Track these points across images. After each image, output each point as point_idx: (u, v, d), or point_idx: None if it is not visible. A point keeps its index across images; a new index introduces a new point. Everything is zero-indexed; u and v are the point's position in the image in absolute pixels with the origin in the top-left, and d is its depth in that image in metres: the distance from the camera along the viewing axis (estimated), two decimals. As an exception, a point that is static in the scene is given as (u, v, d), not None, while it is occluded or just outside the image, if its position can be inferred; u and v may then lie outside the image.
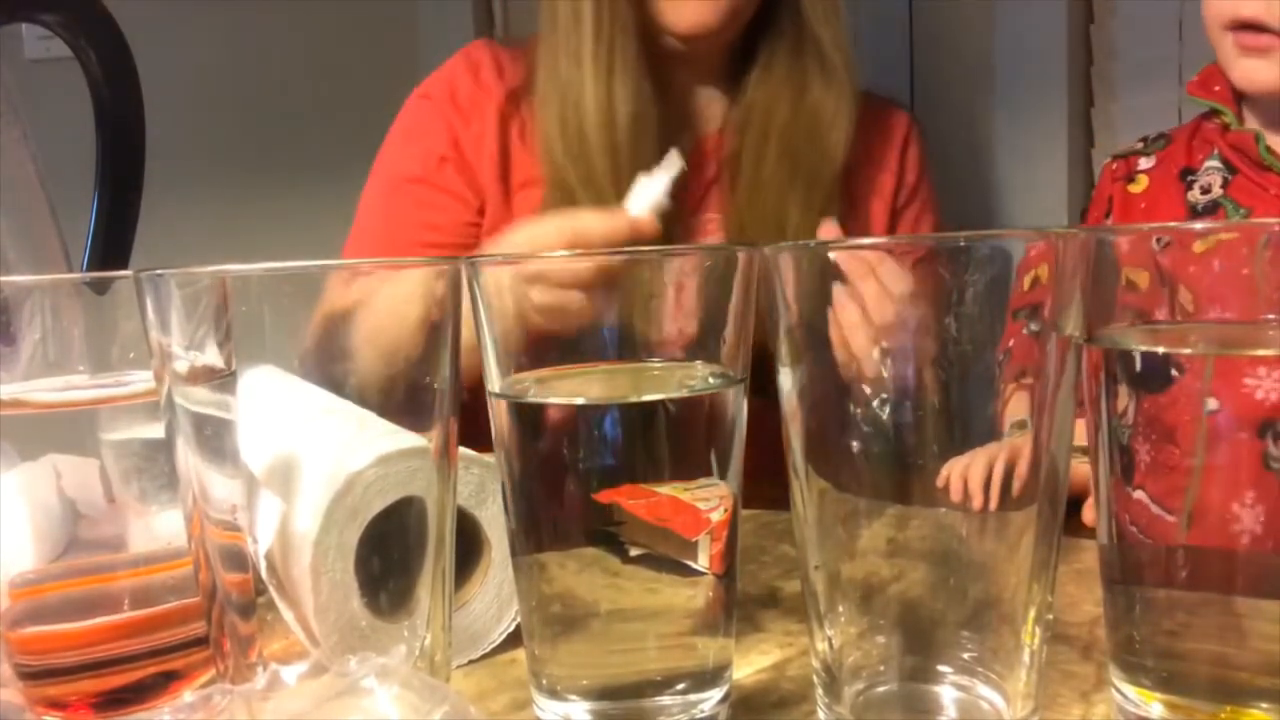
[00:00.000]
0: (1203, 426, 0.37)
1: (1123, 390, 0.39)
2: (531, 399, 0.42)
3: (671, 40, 0.96)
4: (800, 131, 0.96)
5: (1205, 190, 0.97)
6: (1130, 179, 1.04)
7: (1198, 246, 0.38)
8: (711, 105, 1.03)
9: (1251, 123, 0.95)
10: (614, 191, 0.89)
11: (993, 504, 0.38)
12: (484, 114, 1.00)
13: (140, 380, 0.44)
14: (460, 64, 1.03)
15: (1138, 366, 0.39)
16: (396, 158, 1.03)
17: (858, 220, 1.05)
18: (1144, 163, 1.04)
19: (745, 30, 0.98)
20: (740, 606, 0.45)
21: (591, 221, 0.74)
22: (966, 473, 0.38)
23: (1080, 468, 0.41)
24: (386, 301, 0.38)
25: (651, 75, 0.95)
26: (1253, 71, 0.89)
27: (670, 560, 0.42)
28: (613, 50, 0.91)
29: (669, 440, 0.41)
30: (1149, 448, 0.39)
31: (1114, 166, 1.06)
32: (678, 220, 0.98)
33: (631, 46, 0.92)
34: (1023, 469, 0.37)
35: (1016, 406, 0.37)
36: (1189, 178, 0.99)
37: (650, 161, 0.87)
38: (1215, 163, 0.97)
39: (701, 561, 0.42)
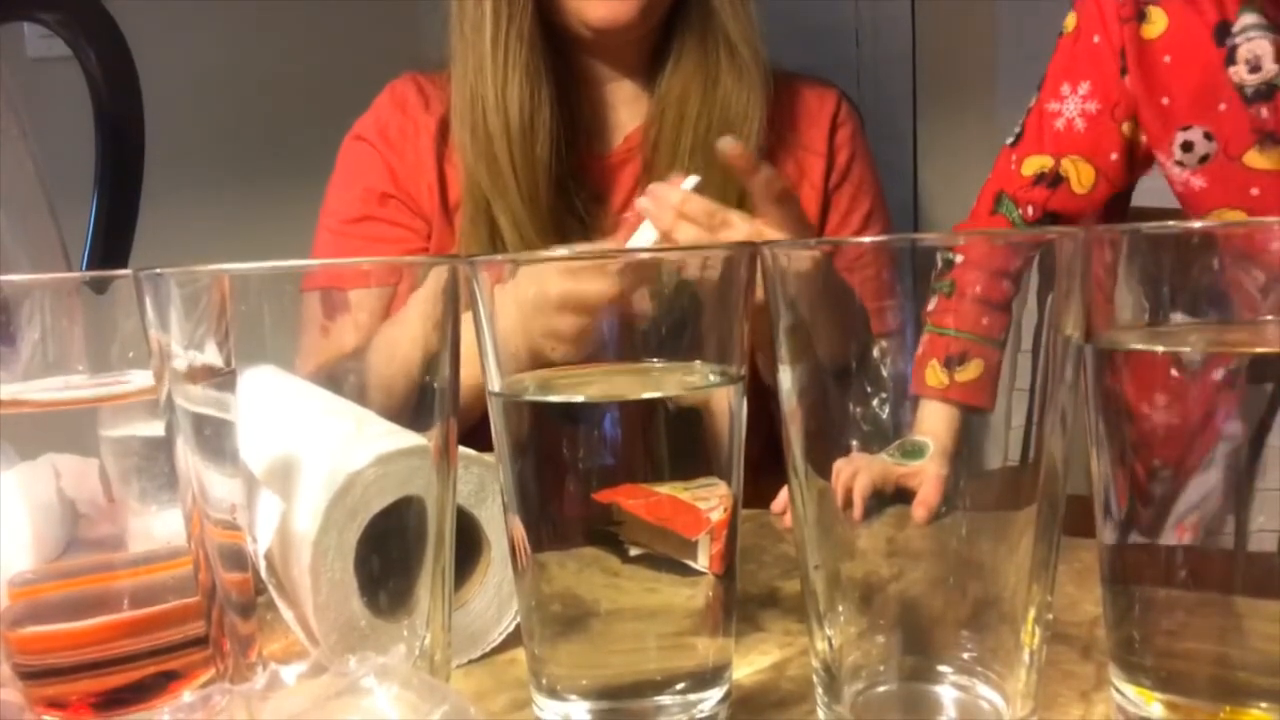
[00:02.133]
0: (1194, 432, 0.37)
1: (1121, 391, 0.39)
2: (531, 398, 0.42)
3: (587, 35, 0.98)
4: (712, 123, 0.97)
5: (1254, 67, 0.80)
6: (1141, 16, 0.86)
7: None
8: (637, 101, 1.04)
9: None
10: (522, 195, 0.94)
11: (857, 515, 0.38)
12: (416, 145, 1.03)
13: (140, 379, 0.44)
14: (387, 101, 1.07)
15: (1136, 367, 0.39)
16: (339, 202, 1.06)
17: None
18: None
19: (662, 24, 1.00)
20: (740, 606, 0.45)
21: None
22: (852, 481, 0.38)
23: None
24: (389, 346, 0.38)
25: (571, 73, 1.00)
26: None
27: (670, 560, 0.42)
28: (508, 54, 0.95)
29: (668, 440, 0.41)
30: (1146, 450, 0.39)
31: None
32: (608, 215, 0.99)
33: (525, 50, 0.95)
34: (930, 496, 0.37)
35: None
36: (1227, 39, 0.81)
37: (555, 163, 0.94)
38: (1253, 16, 0.80)
39: (701, 561, 0.42)
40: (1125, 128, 0.92)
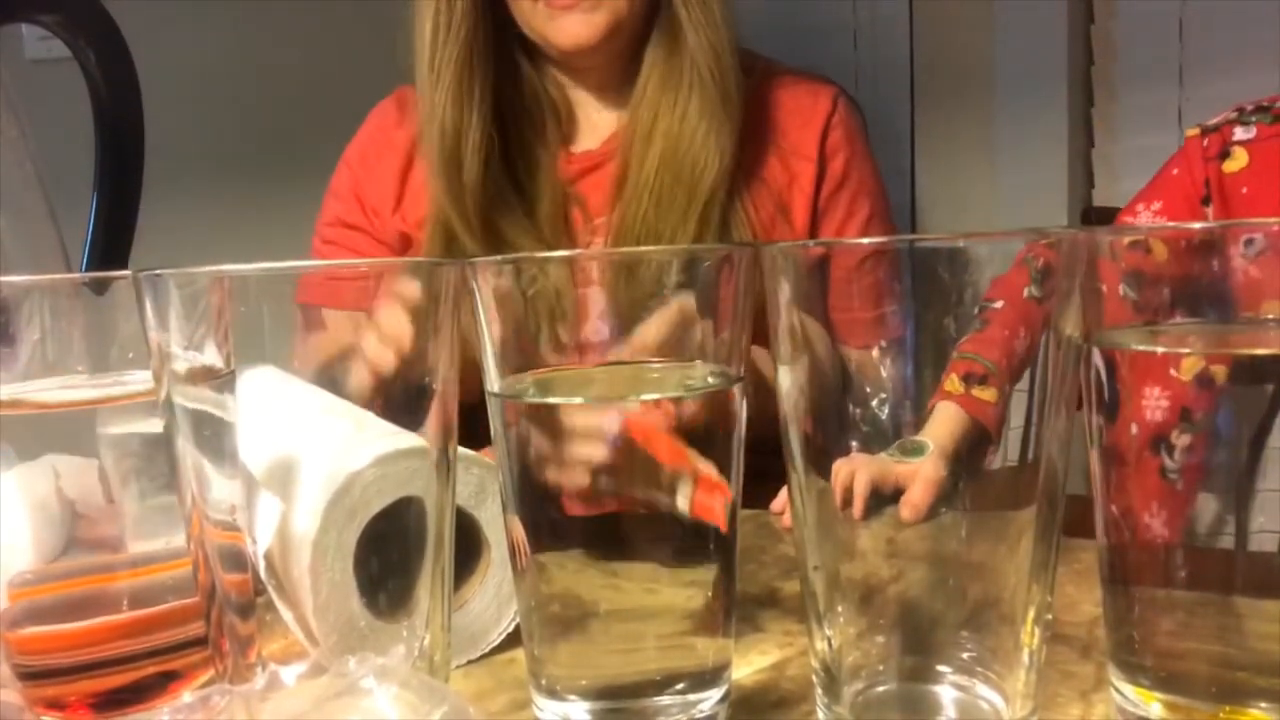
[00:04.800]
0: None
1: (1118, 391, 0.39)
2: (531, 399, 0.42)
3: (554, 55, 0.99)
4: (678, 142, 0.96)
5: None
6: (1225, 154, 0.95)
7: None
8: (617, 104, 1.04)
9: None
10: (456, 214, 0.96)
11: (857, 513, 0.38)
12: (388, 164, 1.06)
13: (139, 381, 0.44)
14: (370, 122, 1.11)
15: (1136, 367, 0.39)
16: (320, 221, 1.12)
17: (779, 214, 1.01)
18: (1240, 132, 0.94)
19: (632, 43, 1.00)
20: (739, 607, 0.45)
21: None
22: (852, 481, 0.38)
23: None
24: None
25: (543, 79, 1.03)
26: None
27: (670, 560, 0.41)
28: (439, 77, 0.97)
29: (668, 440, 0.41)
30: (1145, 451, 0.39)
31: (1204, 143, 0.96)
32: (583, 222, 0.99)
33: (456, 71, 0.96)
34: (917, 497, 0.37)
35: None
36: None
37: (490, 183, 0.96)
38: None
39: (681, 504, 0.41)
40: None
